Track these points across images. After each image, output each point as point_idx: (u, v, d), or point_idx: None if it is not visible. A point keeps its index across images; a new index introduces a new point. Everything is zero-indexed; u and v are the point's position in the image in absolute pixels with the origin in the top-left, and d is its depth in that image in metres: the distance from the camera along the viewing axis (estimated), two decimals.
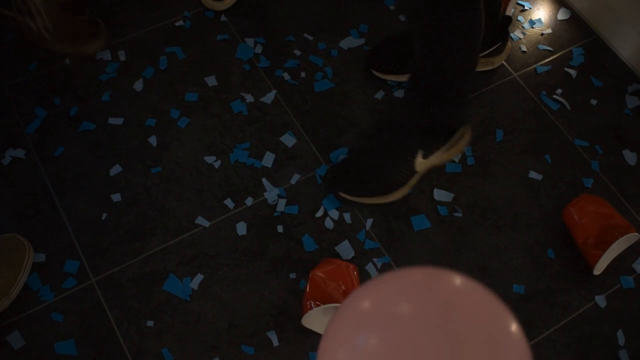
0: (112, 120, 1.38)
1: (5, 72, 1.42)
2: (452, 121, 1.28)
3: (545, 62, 1.56)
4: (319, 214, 1.31)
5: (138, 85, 1.43)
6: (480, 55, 1.37)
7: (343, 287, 1.16)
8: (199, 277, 1.23)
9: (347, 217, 1.31)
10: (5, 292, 1.15)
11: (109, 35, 1.47)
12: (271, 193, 1.32)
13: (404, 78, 1.46)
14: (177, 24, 1.52)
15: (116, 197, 1.29)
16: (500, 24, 1.44)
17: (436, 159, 1.31)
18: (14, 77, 1.42)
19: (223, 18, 1.54)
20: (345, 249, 1.27)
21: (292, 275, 1.24)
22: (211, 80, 1.45)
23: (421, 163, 1.29)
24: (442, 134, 1.29)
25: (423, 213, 1.33)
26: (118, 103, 1.40)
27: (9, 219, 1.25)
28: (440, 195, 1.35)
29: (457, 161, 1.39)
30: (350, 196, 1.30)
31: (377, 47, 1.48)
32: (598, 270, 1.27)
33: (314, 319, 1.17)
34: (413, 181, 1.31)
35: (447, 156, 1.32)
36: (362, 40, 1.53)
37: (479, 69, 1.49)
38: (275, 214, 1.30)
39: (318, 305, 1.13)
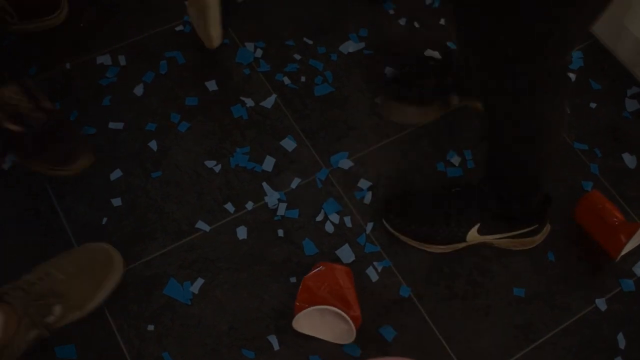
0: (113, 125, 1.38)
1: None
2: (524, 211, 1.23)
3: None
4: (319, 218, 1.31)
5: (138, 90, 1.43)
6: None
7: (336, 290, 1.16)
8: (200, 281, 1.23)
9: (347, 221, 1.31)
10: (79, 305, 1.13)
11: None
12: (271, 197, 1.32)
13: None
14: (177, 28, 1.53)
15: (116, 201, 1.29)
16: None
17: (495, 240, 1.27)
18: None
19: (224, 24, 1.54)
20: (345, 252, 1.27)
21: (293, 279, 1.24)
22: (211, 85, 1.45)
23: (473, 236, 1.25)
24: (512, 220, 1.23)
25: None
26: (118, 107, 1.40)
27: (9, 223, 1.25)
28: None
29: (457, 165, 1.39)
30: (392, 228, 1.28)
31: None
32: (628, 248, 1.27)
33: (305, 322, 1.18)
34: (459, 247, 1.27)
35: (511, 244, 1.27)
36: (362, 45, 1.54)
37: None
38: (276, 218, 1.30)
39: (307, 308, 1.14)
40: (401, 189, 1.34)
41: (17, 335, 1.00)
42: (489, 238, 1.26)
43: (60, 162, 1.27)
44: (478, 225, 1.23)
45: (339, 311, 1.12)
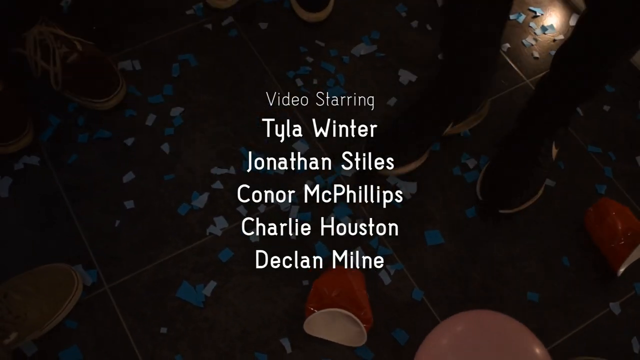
0: (126, 129, 1.38)
1: (20, 80, 1.42)
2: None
3: None
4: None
5: None
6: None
7: (347, 293, 1.16)
8: (212, 284, 1.23)
9: (359, 224, 1.31)
10: (38, 325, 1.12)
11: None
12: (284, 200, 1.32)
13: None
14: (190, 31, 1.53)
15: (129, 204, 1.29)
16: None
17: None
18: (29, 85, 1.42)
19: (235, 26, 1.54)
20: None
21: (305, 282, 1.24)
22: (224, 88, 1.45)
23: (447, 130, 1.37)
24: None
25: (437, 222, 1.32)
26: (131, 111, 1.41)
27: (23, 227, 1.26)
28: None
29: (472, 167, 1.39)
30: (398, 168, 1.34)
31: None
32: (623, 267, 1.26)
33: (316, 325, 1.18)
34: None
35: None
36: (374, 47, 1.53)
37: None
38: (288, 221, 1.30)
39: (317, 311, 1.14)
40: (376, 131, 1.41)
41: None
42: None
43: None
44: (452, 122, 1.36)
45: (349, 314, 1.12)
